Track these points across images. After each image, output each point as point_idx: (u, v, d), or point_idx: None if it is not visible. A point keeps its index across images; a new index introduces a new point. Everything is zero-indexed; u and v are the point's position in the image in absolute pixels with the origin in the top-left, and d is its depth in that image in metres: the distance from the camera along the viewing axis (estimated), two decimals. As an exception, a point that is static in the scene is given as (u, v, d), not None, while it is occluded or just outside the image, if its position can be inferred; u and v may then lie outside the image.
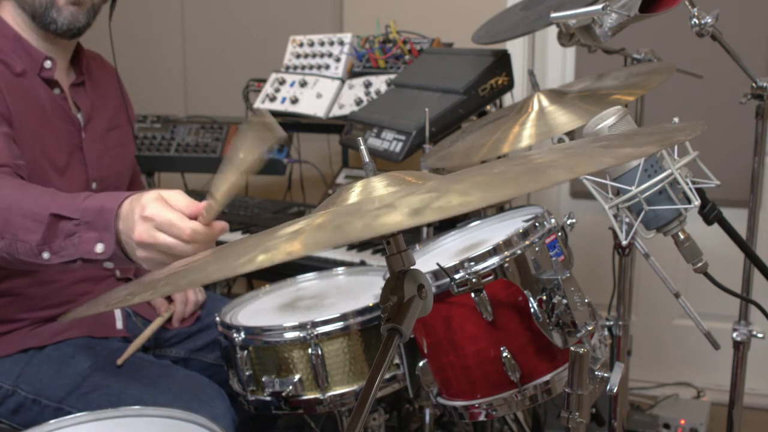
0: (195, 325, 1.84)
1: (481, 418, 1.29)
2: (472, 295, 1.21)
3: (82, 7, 1.59)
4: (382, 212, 0.68)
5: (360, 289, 1.62)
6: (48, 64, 1.60)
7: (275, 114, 2.40)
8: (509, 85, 1.99)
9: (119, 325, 1.70)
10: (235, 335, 1.43)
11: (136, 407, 1.28)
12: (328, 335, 1.38)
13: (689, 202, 1.24)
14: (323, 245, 0.66)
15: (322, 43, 2.47)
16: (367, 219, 0.68)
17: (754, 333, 1.74)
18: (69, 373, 1.56)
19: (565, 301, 1.18)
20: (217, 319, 1.52)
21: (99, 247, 1.22)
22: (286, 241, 0.69)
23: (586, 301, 1.21)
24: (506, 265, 1.22)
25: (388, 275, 0.91)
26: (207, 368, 1.77)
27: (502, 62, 1.96)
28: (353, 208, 0.77)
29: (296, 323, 1.39)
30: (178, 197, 1.18)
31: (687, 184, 1.22)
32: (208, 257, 0.83)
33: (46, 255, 1.24)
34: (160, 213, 1.15)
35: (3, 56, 1.55)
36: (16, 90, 1.54)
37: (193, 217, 1.17)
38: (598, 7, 1.43)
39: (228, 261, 0.72)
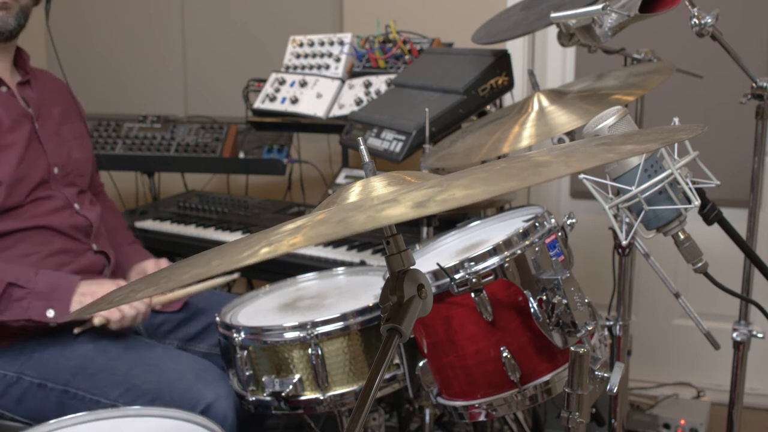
0: (183, 312, 1.86)
1: (481, 418, 1.29)
2: (472, 295, 1.21)
3: (10, 11, 1.63)
4: (386, 205, 0.68)
5: (360, 289, 1.62)
6: None
7: (275, 114, 2.41)
8: (509, 85, 1.98)
9: None
10: (235, 335, 1.43)
11: (136, 407, 1.28)
12: (328, 335, 1.38)
13: (689, 202, 1.24)
14: (327, 237, 0.65)
15: (322, 43, 2.47)
16: (370, 212, 0.68)
17: (754, 333, 1.74)
18: (74, 356, 1.59)
19: (565, 301, 1.18)
20: (217, 319, 1.52)
21: (50, 313, 1.55)
22: (289, 235, 0.69)
23: (586, 301, 1.21)
24: (506, 265, 1.22)
25: (388, 275, 0.91)
26: (202, 357, 1.78)
27: (502, 62, 1.96)
28: (355, 205, 0.77)
29: (296, 323, 1.39)
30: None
31: (687, 184, 1.22)
32: (208, 253, 0.83)
33: None
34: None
35: None
36: None
37: None
38: (598, 7, 1.42)
39: (231, 255, 0.72)
